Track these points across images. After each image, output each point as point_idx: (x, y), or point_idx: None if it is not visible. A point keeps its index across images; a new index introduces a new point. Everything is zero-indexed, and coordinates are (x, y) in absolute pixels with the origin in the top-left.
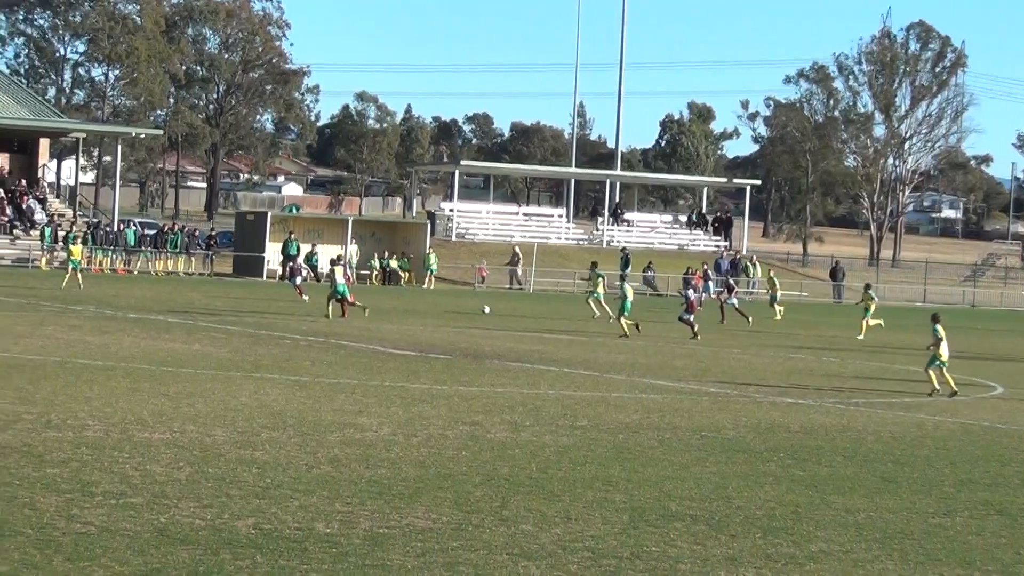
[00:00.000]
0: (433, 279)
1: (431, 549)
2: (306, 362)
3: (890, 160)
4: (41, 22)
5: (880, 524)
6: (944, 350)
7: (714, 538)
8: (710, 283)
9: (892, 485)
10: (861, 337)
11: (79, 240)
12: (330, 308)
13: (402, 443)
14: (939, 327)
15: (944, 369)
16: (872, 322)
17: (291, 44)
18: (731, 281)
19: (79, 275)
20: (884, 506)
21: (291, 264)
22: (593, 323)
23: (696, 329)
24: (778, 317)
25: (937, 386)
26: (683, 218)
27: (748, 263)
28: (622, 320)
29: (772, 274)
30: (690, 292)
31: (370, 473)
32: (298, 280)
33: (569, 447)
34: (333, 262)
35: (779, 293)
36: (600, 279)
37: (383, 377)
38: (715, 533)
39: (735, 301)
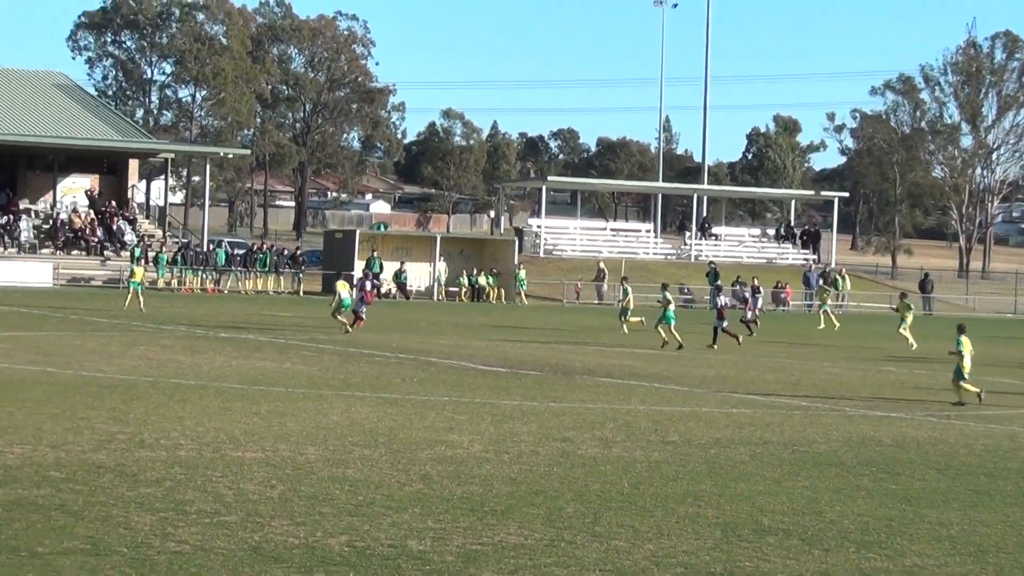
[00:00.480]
0: (524, 295)
1: (524, 566)
2: (397, 379)
3: (978, 171)
4: (128, 44)
5: (974, 538)
6: (968, 361)
7: (807, 553)
8: (759, 296)
9: (986, 498)
10: (915, 346)
11: (142, 261)
12: (342, 320)
13: (493, 460)
14: (963, 338)
15: (963, 380)
16: (903, 331)
17: (376, 63)
18: (746, 295)
19: (140, 296)
20: (978, 519)
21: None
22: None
23: (737, 336)
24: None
25: (963, 398)
26: (771, 231)
27: (837, 276)
28: (660, 327)
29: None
30: (721, 299)
31: (462, 490)
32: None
33: (660, 462)
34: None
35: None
36: (628, 294)
37: (474, 394)
38: (808, 548)
39: (725, 323)
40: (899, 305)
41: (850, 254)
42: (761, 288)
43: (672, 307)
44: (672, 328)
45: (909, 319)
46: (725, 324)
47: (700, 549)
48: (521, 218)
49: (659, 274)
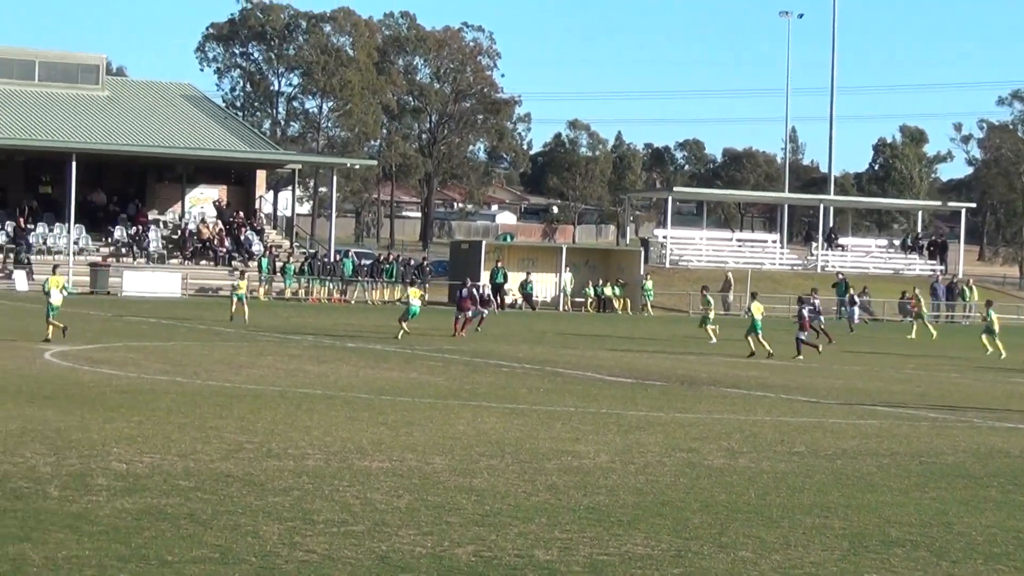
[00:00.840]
0: (650, 306)
1: None
2: (523, 390)
3: None
4: (256, 55)
5: None
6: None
7: (935, 564)
8: (855, 308)
9: None
10: (1004, 355)
11: (247, 274)
12: (404, 328)
13: (620, 470)
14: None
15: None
16: (986, 338)
17: (502, 74)
18: (815, 303)
19: (245, 306)
20: None
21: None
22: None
23: (818, 345)
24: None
25: None
26: (897, 242)
27: (964, 287)
28: (749, 337)
29: (917, 292)
30: (804, 310)
31: (588, 500)
32: (469, 313)
33: (787, 473)
34: (409, 284)
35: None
36: (710, 304)
37: (599, 404)
38: (936, 559)
39: (803, 335)
40: (985, 314)
41: (977, 265)
42: (857, 297)
43: (760, 317)
44: (760, 337)
45: (996, 328)
46: (804, 335)
47: (827, 560)
48: (647, 229)
49: (785, 285)
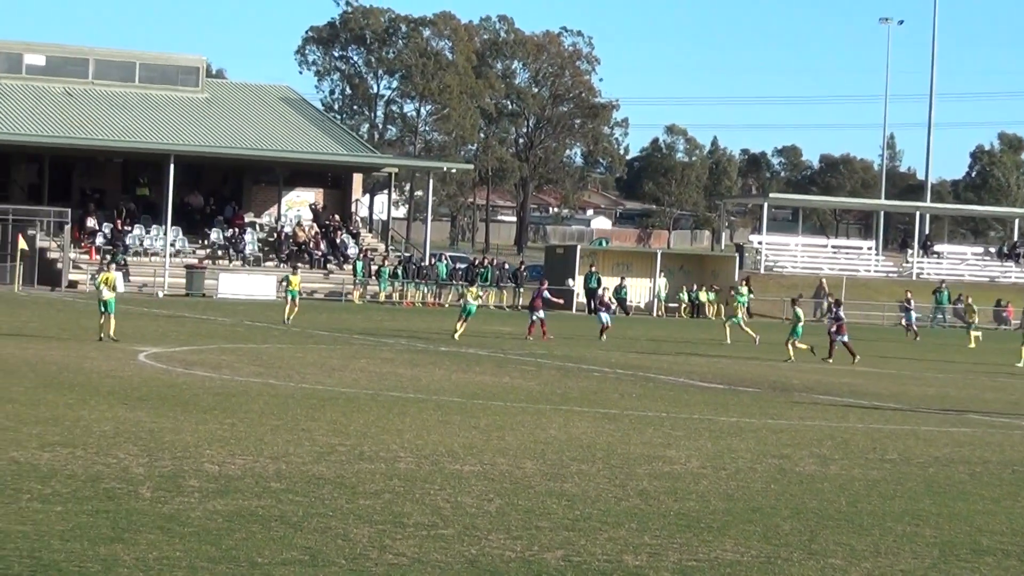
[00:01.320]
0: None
1: None
2: (615, 394)
3: None
4: (355, 59)
5: None
6: None
7: None
8: (912, 312)
9: None
10: None
11: (298, 270)
12: (458, 326)
13: (710, 476)
14: None
15: None
16: None
17: (600, 79)
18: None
19: (296, 305)
20: None
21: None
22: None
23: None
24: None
25: None
26: (993, 250)
27: None
28: (789, 344)
29: (970, 300)
30: (830, 318)
31: (678, 506)
32: (604, 317)
33: (878, 481)
34: (467, 285)
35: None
36: (739, 303)
37: (691, 410)
38: None
39: (846, 338)
40: None
41: None
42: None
43: (801, 324)
44: (797, 343)
45: None
46: (845, 339)
47: (917, 568)
48: (742, 234)
49: (880, 292)
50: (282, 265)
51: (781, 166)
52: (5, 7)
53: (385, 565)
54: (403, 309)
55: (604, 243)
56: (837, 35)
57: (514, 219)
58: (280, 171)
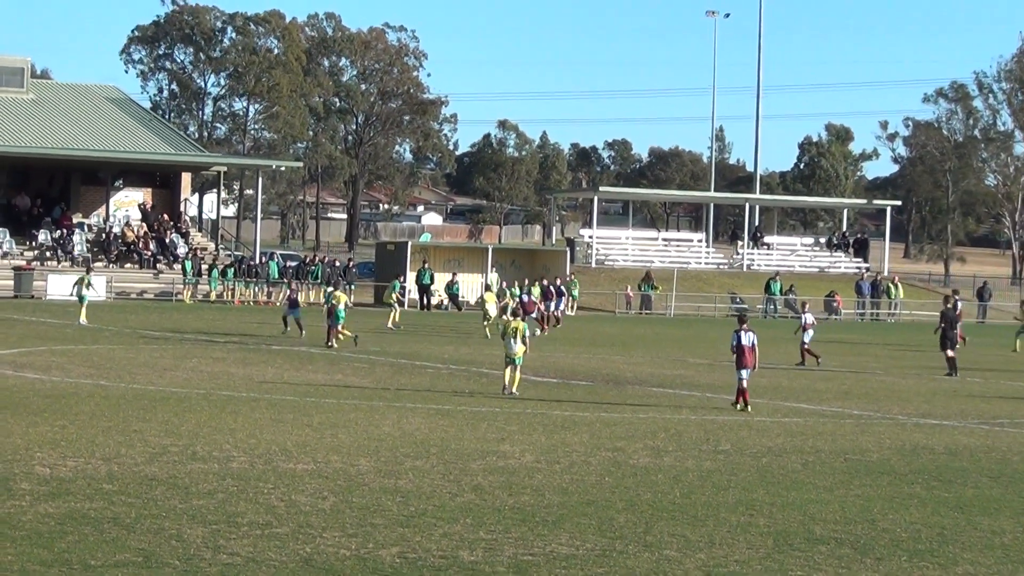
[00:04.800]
0: (575, 305)
1: None
2: (448, 391)
3: None
4: (182, 58)
5: None
6: None
7: (859, 561)
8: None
9: None
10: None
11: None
12: (344, 333)
13: (545, 470)
14: None
15: None
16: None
17: (428, 74)
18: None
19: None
20: None
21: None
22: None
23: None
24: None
25: None
26: (823, 240)
27: (890, 284)
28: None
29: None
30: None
31: (513, 500)
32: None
33: (712, 472)
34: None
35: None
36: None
37: (525, 404)
38: (860, 556)
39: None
40: (1020, 314)
41: (903, 262)
42: (562, 289)
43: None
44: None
45: None
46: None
47: (752, 559)
48: (573, 229)
49: (711, 284)
50: (111, 266)
51: (611, 160)
52: None
53: (219, 565)
54: (234, 308)
55: (427, 238)
56: (665, 29)
57: (344, 216)
58: (108, 171)
